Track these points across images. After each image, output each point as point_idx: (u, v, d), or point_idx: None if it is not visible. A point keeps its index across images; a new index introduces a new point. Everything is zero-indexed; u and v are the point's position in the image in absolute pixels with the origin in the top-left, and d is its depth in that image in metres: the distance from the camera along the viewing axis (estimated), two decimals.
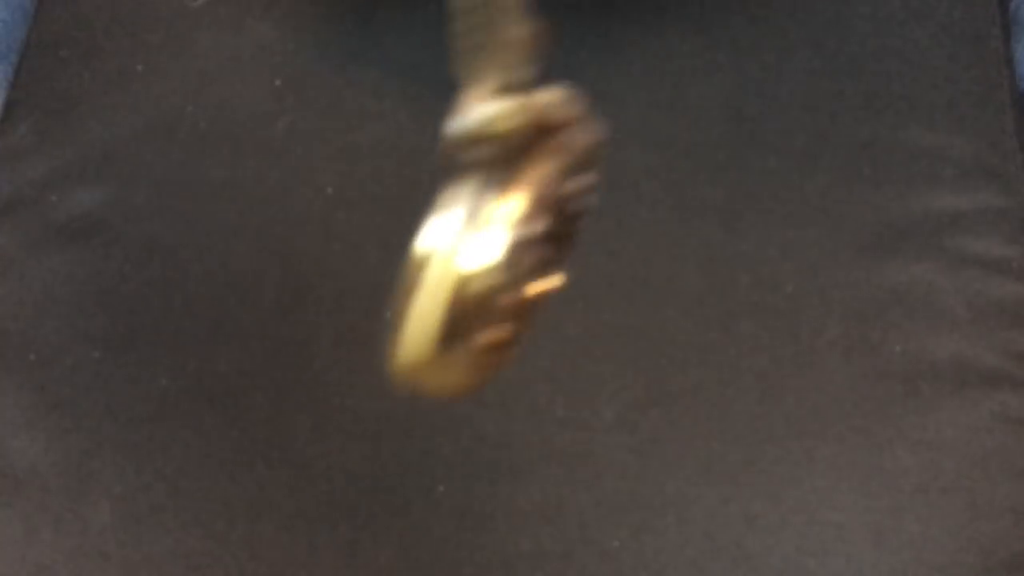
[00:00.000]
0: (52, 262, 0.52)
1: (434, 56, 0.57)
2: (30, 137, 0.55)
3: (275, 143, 0.54)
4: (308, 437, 0.47)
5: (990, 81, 0.54)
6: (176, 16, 0.57)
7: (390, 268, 0.51)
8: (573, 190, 0.29)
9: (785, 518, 0.45)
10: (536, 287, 0.30)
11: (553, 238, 0.29)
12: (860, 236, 0.50)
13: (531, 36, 0.27)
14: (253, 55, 0.56)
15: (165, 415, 0.48)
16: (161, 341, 0.49)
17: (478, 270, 0.26)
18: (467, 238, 0.26)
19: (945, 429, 0.46)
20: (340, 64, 0.56)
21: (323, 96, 0.55)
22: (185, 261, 0.51)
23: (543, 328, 0.49)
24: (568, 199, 0.29)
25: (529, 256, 0.28)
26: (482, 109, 0.26)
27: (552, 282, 0.31)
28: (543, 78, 0.28)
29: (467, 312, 0.26)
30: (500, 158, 0.26)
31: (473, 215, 0.26)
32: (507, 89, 0.26)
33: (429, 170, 0.53)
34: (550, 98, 0.28)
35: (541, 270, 0.30)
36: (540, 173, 0.27)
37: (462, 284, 0.26)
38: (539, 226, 0.27)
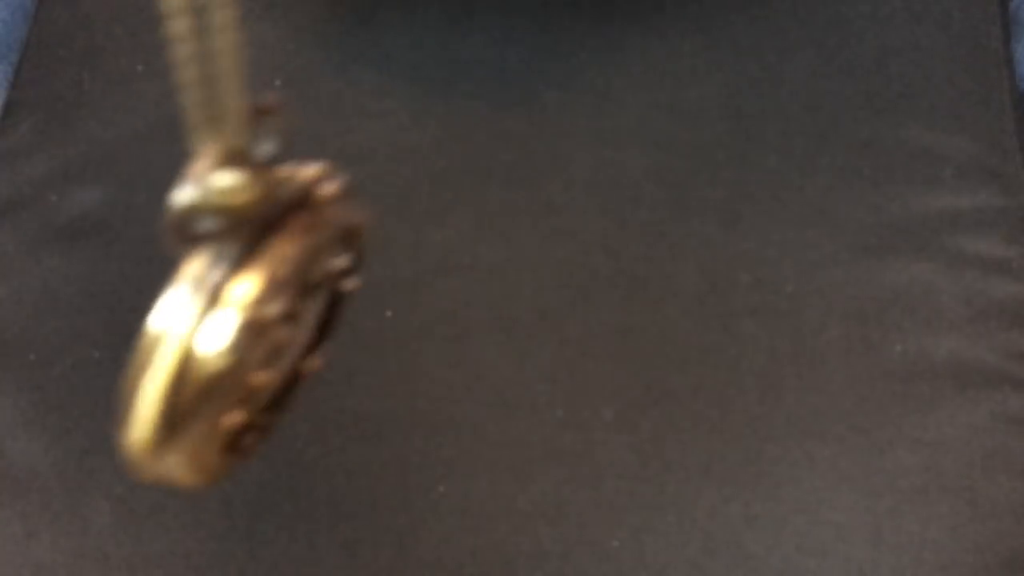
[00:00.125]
0: (52, 262, 0.52)
1: (434, 56, 0.57)
2: (30, 137, 0.55)
3: None
4: (308, 437, 0.47)
5: (990, 81, 0.54)
6: None
7: (390, 268, 0.51)
8: (332, 270, 0.28)
9: (785, 518, 0.45)
10: (283, 370, 0.28)
11: (305, 319, 0.28)
12: (860, 236, 0.50)
13: (269, 107, 0.26)
14: (253, 55, 0.56)
15: None
16: None
17: (209, 353, 0.25)
18: (198, 319, 0.25)
19: (945, 429, 0.46)
20: (340, 64, 0.56)
21: (323, 96, 0.55)
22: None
23: (543, 328, 0.49)
24: (327, 279, 0.28)
25: (269, 338, 0.26)
26: (209, 180, 0.25)
27: (309, 365, 0.30)
28: (294, 153, 0.26)
29: (196, 396, 0.25)
30: (235, 233, 0.25)
31: (207, 293, 0.25)
32: (239, 160, 0.25)
33: (429, 170, 0.53)
34: (299, 173, 0.27)
35: (293, 352, 0.28)
36: (285, 252, 0.26)
37: (189, 367, 0.25)
38: (278, 308, 0.26)
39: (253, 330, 0.25)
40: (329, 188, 0.27)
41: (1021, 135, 0.53)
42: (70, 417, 0.48)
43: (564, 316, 0.49)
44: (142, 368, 0.25)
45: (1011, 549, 0.44)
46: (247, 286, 0.25)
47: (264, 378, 0.27)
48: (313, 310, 0.29)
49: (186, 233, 0.25)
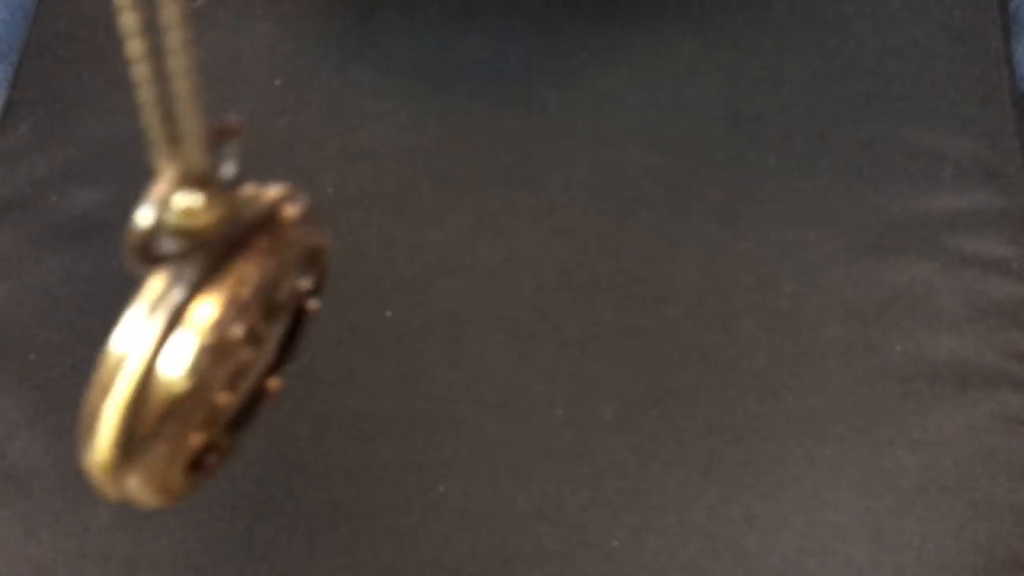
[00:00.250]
0: (52, 262, 0.52)
1: (434, 56, 0.57)
2: (30, 137, 0.55)
3: (275, 143, 0.54)
4: (308, 437, 0.47)
5: (990, 81, 0.54)
6: None
7: (390, 268, 0.51)
8: (294, 290, 0.28)
9: (785, 518, 0.45)
10: (245, 391, 0.28)
11: (267, 339, 0.28)
12: (860, 236, 0.50)
13: (229, 129, 0.26)
14: (253, 55, 0.56)
15: None
16: None
17: (167, 376, 0.25)
18: (158, 340, 0.25)
19: (945, 429, 0.46)
20: (340, 64, 0.56)
21: (323, 96, 0.55)
22: None
23: (543, 328, 0.49)
24: (290, 299, 0.28)
25: (230, 360, 0.26)
26: (168, 201, 0.25)
27: (270, 385, 0.30)
28: (254, 174, 0.26)
29: (155, 417, 0.25)
30: (196, 254, 0.25)
31: (168, 315, 0.25)
32: (199, 182, 0.25)
33: (429, 170, 0.53)
34: (262, 194, 0.27)
35: (255, 372, 0.28)
36: (246, 273, 0.25)
37: (149, 388, 0.25)
38: (238, 330, 0.25)
39: (214, 352, 0.25)
40: (292, 209, 0.27)
41: (1021, 135, 0.53)
42: (70, 417, 0.48)
43: (564, 316, 0.49)
44: (103, 389, 0.25)
45: (1011, 549, 0.44)
46: (209, 308, 0.25)
47: (226, 399, 0.27)
48: (276, 331, 0.29)
49: (147, 254, 0.25)
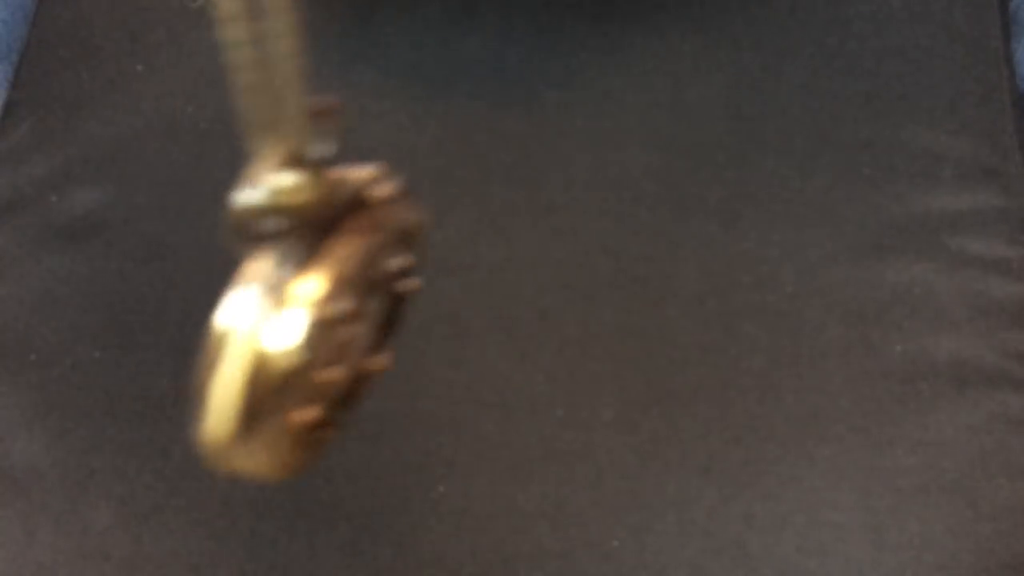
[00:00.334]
0: (52, 262, 0.52)
1: (434, 56, 0.57)
2: (30, 137, 0.55)
3: None
4: None
5: (990, 81, 0.54)
6: (176, 16, 0.57)
7: None
8: (391, 270, 0.28)
9: (785, 518, 0.45)
10: (350, 368, 0.29)
11: (370, 318, 0.28)
12: (860, 236, 0.50)
13: (325, 110, 0.26)
14: None
15: (165, 415, 0.48)
16: (161, 341, 0.49)
17: (280, 350, 0.25)
18: (267, 316, 0.25)
19: (945, 429, 0.46)
20: (340, 64, 0.56)
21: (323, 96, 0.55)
22: (185, 261, 0.51)
23: (543, 328, 0.49)
24: (387, 279, 0.28)
25: (336, 336, 0.26)
26: (269, 181, 0.25)
27: (374, 363, 0.30)
28: (352, 153, 0.27)
29: (269, 392, 0.25)
30: (297, 233, 0.25)
31: (274, 292, 0.25)
32: (299, 162, 0.25)
33: (429, 170, 0.53)
34: (356, 175, 0.27)
35: (358, 350, 0.29)
36: (346, 251, 0.26)
37: (262, 364, 0.25)
38: (344, 306, 0.26)
39: (323, 327, 0.25)
40: (384, 189, 0.28)
41: (1021, 135, 0.53)
42: (70, 417, 0.48)
43: (564, 316, 0.49)
44: (212, 365, 0.25)
45: (1011, 549, 0.44)
46: (314, 284, 0.25)
47: (334, 375, 0.28)
48: (375, 310, 0.29)
49: (248, 233, 0.25)
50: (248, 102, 0.25)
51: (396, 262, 0.29)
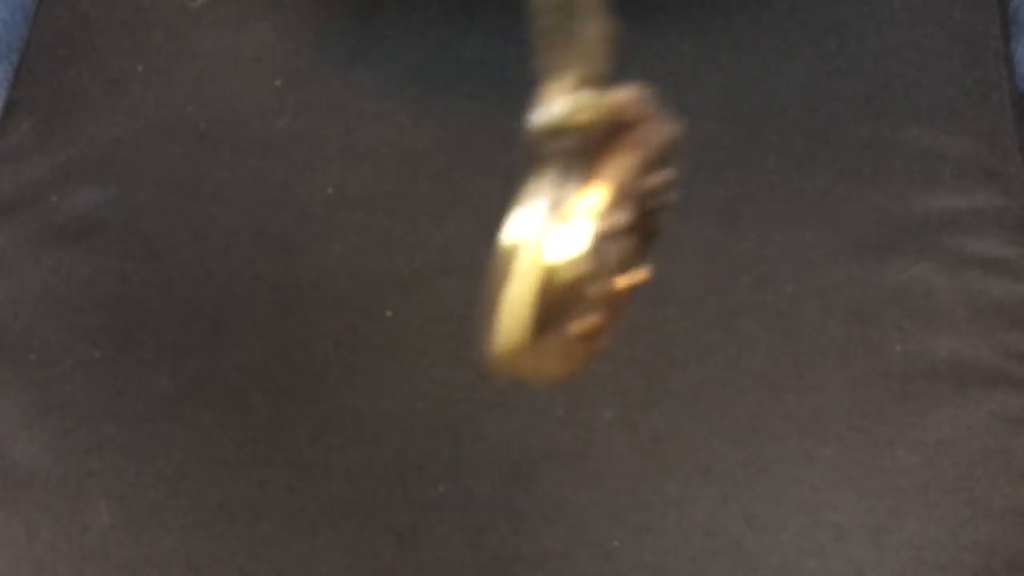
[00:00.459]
0: (52, 262, 0.52)
1: (434, 56, 0.57)
2: (30, 137, 0.55)
3: (275, 143, 0.54)
4: (308, 437, 0.47)
5: (990, 81, 0.54)
6: (176, 16, 0.57)
7: (390, 268, 0.51)
8: (652, 185, 0.30)
9: (785, 518, 0.45)
10: (622, 279, 0.30)
11: (635, 232, 0.30)
12: (860, 236, 0.50)
13: (608, 33, 0.28)
14: (253, 55, 0.56)
15: (165, 415, 0.48)
16: (161, 341, 0.49)
17: (566, 260, 0.27)
18: (553, 229, 0.27)
19: (945, 429, 0.46)
20: (340, 64, 0.56)
21: (323, 96, 0.55)
22: (185, 261, 0.51)
23: None
24: (648, 194, 0.30)
25: (613, 247, 0.28)
26: (562, 102, 0.27)
27: (637, 275, 0.32)
28: (616, 75, 0.29)
29: (556, 302, 0.27)
30: (580, 151, 0.27)
31: (557, 206, 0.27)
32: (585, 83, 0.27)
33: (429, 170, 0.53)
34: (626, 94, 0.29)
35: (625, 262, 0.30)
36: (619, 167, 0.28)
37: (551, 274, 0.27)
38: (622, 218, 0.28)
39: (604, 239, 0.27)
40: (646, 107, 0.29)
41: (1021, 135, 0.53)
42: (70, 417, 0.48)
43: None
44: (503, 278, 0.27)
45: (1011, 550, 0.44)
46: (597, 198, 0.27)
47: (611, 285, 0.29)
48: (640, 223, 0.31)
49: (539, 151, 0.27)
50: (548, 25, 0.27)
51: (658, 177, 0.30)
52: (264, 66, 0.56)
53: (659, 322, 0.49)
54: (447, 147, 0.53)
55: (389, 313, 0.50)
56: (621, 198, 0.28)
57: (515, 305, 0.27)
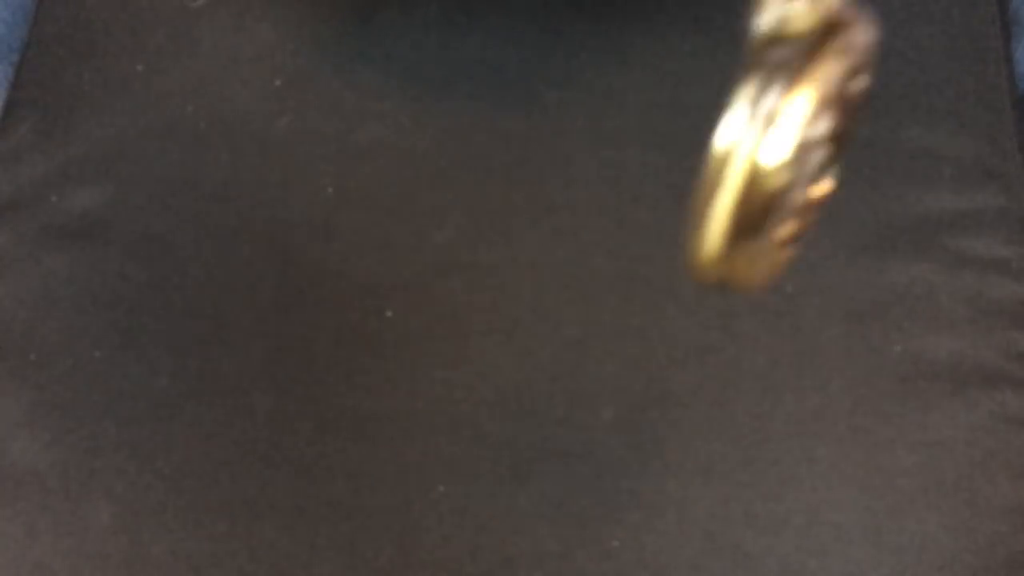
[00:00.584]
0: (52, 262, 0.52)
1: (434, 56, 0.57)
2: (30, 137, 0.55)
3: (275, 143, 0.54)
4: (308, 437, 0.47)
5: (990, 81, 0.54)
6: (176, 16, 0.57)
7: (390, 268, 0.51)
8: (853, 92, 0.30)
9: (785, 518, 0.45)
10: (819, 186, 0.31)
11: (833, 140, 0.30)
12: (860, 236, 0.50)
13: None
14: (253, 55, 0.56)
15: (165, 415, 0.48)
16: (161, 341, 0.49)
17: (771, 167, 0.27)
18: (760, 136, 0.27)
19: (945, 429, 0.46)
20: (340, 64, 0.56)
21: (323, 96, 0.55)
22: (185, 261, 0.51)
23: (543, 328, 0.49)
24: (848, 101, 0.30)
25: (814, 155, 0.28)
26: (781, 8, 0.28)
27: (830, 183, 0.32)
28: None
29: (758, 208, 0.28)
30: (791, 57, 0.27)
31: (765, 114, 0.27)
32: None
33: (429, 170, 0.53)
34: (836, 0, 0.29)
35: (823, 170, 0.31)
36: (826, 73, 0.28)
37: (756, 181, 0.27)
38: (825, 125, 0.28)
39: (806, 148, 0.27)
40: (853, 12, 0.29)
41: (1021, 135, 0.53)
42: (70, 417, 0.48)
43: (564, 316, 0.49)
44: (713, 183, 0.28)
45: (1011, 549, 0.44)
46: (801, 106, 0.27)
47: (809, 193, 0.30)
48: (838, 131, 0.31)
49: (753, 58, 0.28)
50: None
51: (858, 84, 0.30)
52: (264, 66, 0.56)
53: (659, 322, 0.49)
54: (447, 147, 0.53)
55: (389, 313, 0.50)
56: (825, 105, 0.28)
57: (719, 210, 0.28)
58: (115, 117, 0.55)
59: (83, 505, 0.46)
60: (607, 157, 0.53)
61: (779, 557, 0.44)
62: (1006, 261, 0.50)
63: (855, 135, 0.32)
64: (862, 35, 0.30)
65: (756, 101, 0.27)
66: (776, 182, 0.27)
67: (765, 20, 0.28)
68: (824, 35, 0.28)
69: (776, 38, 0.28)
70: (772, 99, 0.27)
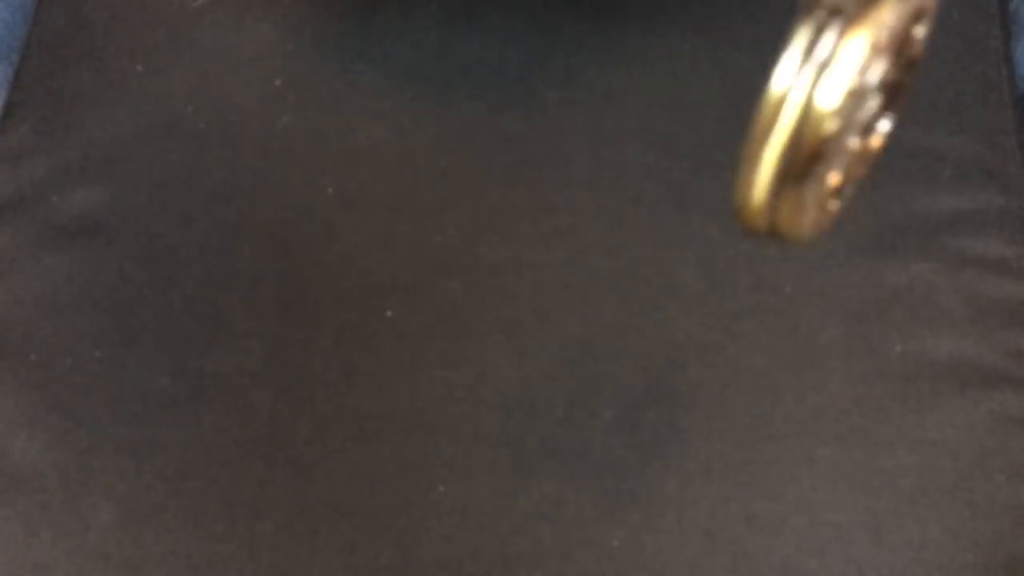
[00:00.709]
0: (52, 262, 0.52)
1: (434, 56, 0.57)
2: (30, 137, 0.55)
3: (275, 143, 0.54)
4: (308, 437, 0.47)
5: (990, 81, 0.54)
6: (176, 16, 0.57)
7: (390, 268, 0.51)
8: (912, 39, 0.29)
9: (785, 518, 0.45)
10: (872, 135, 0.30)
11: (888, 88, 0.30)
12: (860, 236, 0.50)
13: None
14: (253, 55, 0.56)
15: (165, 415, 0.48)
16: (161, 341, 0.49)
17: (823, 112, 0.27)
18: (814, 80, 0.27)
19: (945, 429, 0.46)
20: (340, 64, 0.56)
21: (323, 96, 0.55)
22: (185, 261, 0.51)
23: (543, 328, 0.49)
24: (904, 49, 0.29)
25: (868, 102, 0.28)
26: None
27: (884, 133, 0.31)
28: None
29: (809, 154, 0.27)
30: (847, 1, 0.27)
31: (819, 59, 0.27)
32: None
33: (429, 170, 0.53)
34: None
35: (876, 118, 0.30)
36: (883, 19, 0.27)
37: (807, 126, 0.27)
38: (879, 72, 0.28)
39: (857, 95, 0.27)
40: None
41: (1021, 135, 0.53)
42: (70, 417, 0.48)
43: (564, 316, 0.49)
44: (764, 131, 0.27)
45: (1011, 549, 0.44)
46: (854, 52, 0.27)
47: (859, 143, 0.29)
48: (895, 79, 0.31)
49: (808, 2, 0.27)
50: None
51: (917, 31, 0.30)
52: (264, 66, 0.56)
53: (659, 322, 0.49)
54: (447, 147, 0.53)
55: (389, 313, 0.50)
56: (880, 52, 0.27)
57: (768, 155, 0.27)
58: (115, 117, 0.55)
59: (83, 505, 0.46)
60: (607, 157, 0.53)
61: (779, 557, 0.44)
62: (1006, 261, 0.50)
63: (913, 87, 0.31)
64: None
65: (811, 45, 0.27)
66: (827, 128, 0.27)
67: None
68: None
69: None
70: (827, 43, 0.27)
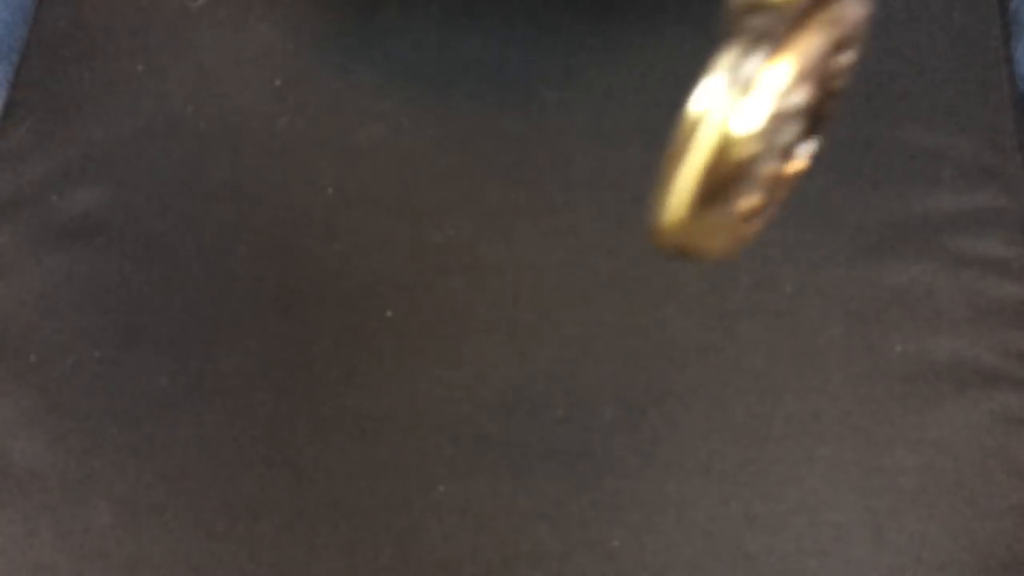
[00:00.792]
0: (52, 262, 0.52)
1: (434, 56, 0.57)
2: (30, 137, 0.55)
3: (275, 143, 0.54)
4: (308, 437, 0.47)
5: (990, 81, 0.54)
6: (176, 16, 0.57)
7: (390, 268, 0.51)
8: (835, 67, 0.29)
9: (785, 518, 0.45)
10: (790, 161, 0.30)
11: (809, 114, 0.29)
12: (860, 236, 0.50)
13: None
14: (253, 55, 0.56)
15: (165, 415, 0.48)
16: (161, 341, 0.49)
17: (742, 136, 0.26)
18: (734, 104, 0.26)
19: (945, 429, 0.46)
20: (340, 64, 0.56)
21: (323, 96, 0.55)
22: (185, 261, 0.51)
23: (543, 328, 0.49)
24: (829, 76, 0.29)
25: (788, 127, 0.28)
26: None
27: (804, 160, 0.31)
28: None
29: (725, 177, 0.27)
30: (776, 25, 0.27)
31: (741, 81, 0.27)
32: None
33: (429, 170, 0.53)
34: None
35: (795, 144, 0.30)
36: (808, 45, 0.27)
37: (725, 149, 0.27)
38: (801, 97, 0.27)
39: (779, 119, 0.27)
40: None
41: (1021, 135, 0.53)
42: (70, 417, 0.48)
43: (564, 316, 0.49)
44: (682, 148, 0.27)
45: (1011, 549, 0.44)
46: (778, 76, 0.27)
47: (778, 166, 0.29)
48: (816, 106, 0.31)
49: (734, 25, 0.27)
50: None
51: (843, 59, 0.30)
52: (264, 66, 0.56)
53: (659, 322, 0.49)
54: (447, 147, 0.53)
55: (389, 313, 0.50)
56: (804, 77, 0.27)
57: (686, 175, 0.27)
58: (115, 117, 0.55)
59: (83, 505, 0.46)
60: (607, 157, 0.53)
61: (779, 557, 0.44)
62: (1006, 261, 0.50)
63: (835, 114, 0.31)
64: (853, 9, 0.29)
65: (735, 67, 0.27)
66: (746, 151, 0.27)
67: None
68: (813, 5, 0.27)
69: (762, 4, 0.27)
70: (751, 66, 0.26)
